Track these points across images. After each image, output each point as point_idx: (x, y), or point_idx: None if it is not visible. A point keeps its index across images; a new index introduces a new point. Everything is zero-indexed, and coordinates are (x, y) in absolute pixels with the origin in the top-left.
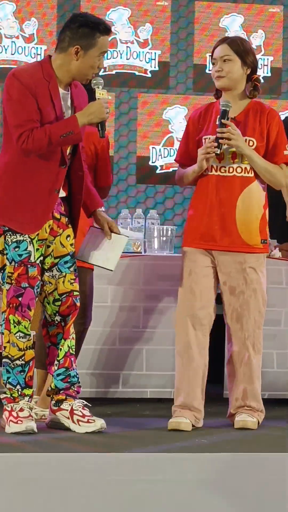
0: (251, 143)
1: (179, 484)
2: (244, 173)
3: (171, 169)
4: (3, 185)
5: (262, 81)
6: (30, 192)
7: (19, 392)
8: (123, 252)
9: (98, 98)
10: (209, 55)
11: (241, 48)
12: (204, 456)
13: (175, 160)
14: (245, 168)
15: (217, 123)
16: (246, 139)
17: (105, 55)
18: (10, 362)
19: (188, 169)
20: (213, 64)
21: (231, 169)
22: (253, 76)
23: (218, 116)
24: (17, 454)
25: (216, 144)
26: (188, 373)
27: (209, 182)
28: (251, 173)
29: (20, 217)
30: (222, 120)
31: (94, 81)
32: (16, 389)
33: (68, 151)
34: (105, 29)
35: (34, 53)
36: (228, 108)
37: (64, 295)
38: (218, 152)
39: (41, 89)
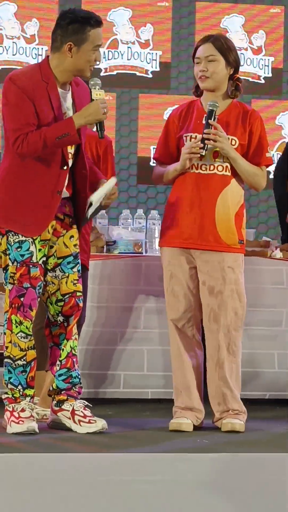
0: (233, 142)
1: (180, 485)
2: (225, 171)
3: None
4: (5, 187)
5: (242, 80)
6: (32, 194)
7: (21, 393)
8: (125, 252)
9: (95, 99)
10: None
11: (225, 47)
12: (205, 456)
13: (153, 157)
14: (226, 166)
15: (204, 122)
16: (228, 138)
17: (100, 47)
18: (11, 362)
19: (169, 168)
20: (196, 63)
21: (212, 167)
22: (235, 75)
23: (205, 116)
24: (18, 454)
25: (202, 145)
26: (182, 375)
27: (189, 180)
28: (232, 172)
29: (22, 219)
30: (209, 121)
31: (92, 82)
32: (17, 389)
33: (71, 150)
34: (96, 21)
35: (36, 54)
36: (215, 108)
37: (67, 296)
38: (203, 153)
39: (38, 91)
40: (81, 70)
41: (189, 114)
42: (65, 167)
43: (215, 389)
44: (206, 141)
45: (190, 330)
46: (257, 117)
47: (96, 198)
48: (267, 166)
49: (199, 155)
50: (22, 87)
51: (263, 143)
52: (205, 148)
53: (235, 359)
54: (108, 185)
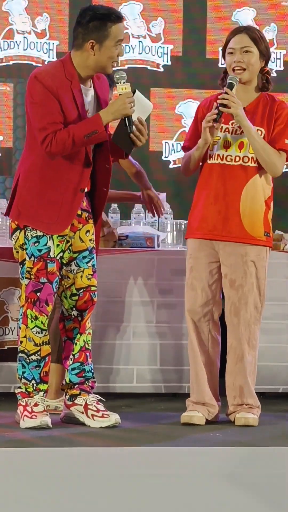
0: (259, 133)
1: (194, 478)
2: (251, 163)
3: None
4: (29, 186)
5: (272, 74)
6: (55, 192)
7: (34, 387)
8: (138, 247)
9: (120, 94)
10: (221, 48)
11: (259, 39)
12: (219, 450)
13: (183, 146)
14: (252, 158)
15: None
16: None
17: (122, 42)
18: (26, 357)
19: (192, 149)
20: (229, 53)
21: (237, 158)
22: (265, 68)
23: (224, 88)
24: (32, 448)
25: (216, 111)
26: (194, 370)
27: (214, 171)
28: (258, 163)
29: (46, 218)
30: (225, 89)
31: (117, 76)
32: (31, 383)
33: (92, 145)
34: (116, 17)
35: (47, 49)
36: (234, 81)
37: (82, 290)
38: (217, 118)
39: (63, 90)
40: (104, 67)
41: None
42: (88, 166)
43: (233, 381)
44: (220, 107)
45: (206, 325)
46: (284, 107)
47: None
48: (285, 151)
49: (214, 123)
50: (48, 85)
51: (285, 131)
52: (220, 114)
53: (254, 353)
54: (149, 107)
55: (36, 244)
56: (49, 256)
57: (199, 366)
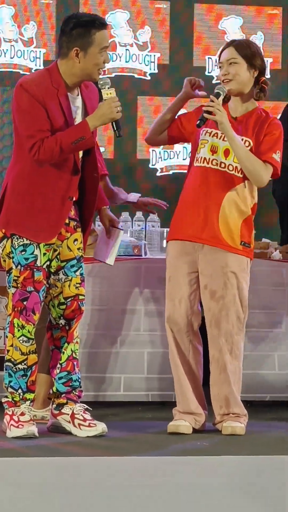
0: (247, 144)
1: (180, 488)
2: (235, 172)
3: (171, 172)
4: (17, 193)
5: (269, 83)
6: (43, 200)
7: (21, 396)
8: (125, 255)
9: (105, 99)
10: (209, 58)
11: (247, 51)
12: (206, 459)
13: None
14: (236, 167)
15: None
16: (242, 139)
17: (107, 49)
18: (12, 366)
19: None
20: (220, 68)
21: (222, 165)
22: (261, 78)
23: (211, 95)
24: (18, 458)
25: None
26: (178, 379)
27: (199, 174)
28: (242, 174)
29: (34, 225)
30: (211, 97)
31: (101, 82)
32: (17, 393)
33: (80, 154)
34: (100, 24)
35: (34, 57)
36: (221, 91)
37: (69, 299)
38: (201, 124)
39: (49, 98)
40: (90, 74)
41: None
42: (76, 174)
43: (218, 392)
44: (204, 114)
45: (186, 335)
46: (277, 125)
47: (111, 260)
48: (271, 164)
49: (197, 128)
50: (34, 94)
51: (275, 146)
52: (204, 120)
53: (237, 362)
54: (117, 242)
55: (23, 253)
56: (35, 265)
57: (182, 376)
